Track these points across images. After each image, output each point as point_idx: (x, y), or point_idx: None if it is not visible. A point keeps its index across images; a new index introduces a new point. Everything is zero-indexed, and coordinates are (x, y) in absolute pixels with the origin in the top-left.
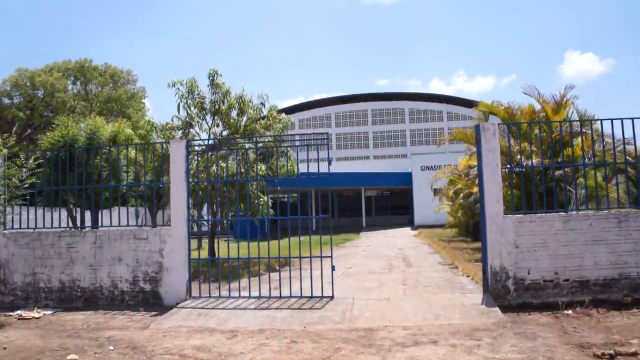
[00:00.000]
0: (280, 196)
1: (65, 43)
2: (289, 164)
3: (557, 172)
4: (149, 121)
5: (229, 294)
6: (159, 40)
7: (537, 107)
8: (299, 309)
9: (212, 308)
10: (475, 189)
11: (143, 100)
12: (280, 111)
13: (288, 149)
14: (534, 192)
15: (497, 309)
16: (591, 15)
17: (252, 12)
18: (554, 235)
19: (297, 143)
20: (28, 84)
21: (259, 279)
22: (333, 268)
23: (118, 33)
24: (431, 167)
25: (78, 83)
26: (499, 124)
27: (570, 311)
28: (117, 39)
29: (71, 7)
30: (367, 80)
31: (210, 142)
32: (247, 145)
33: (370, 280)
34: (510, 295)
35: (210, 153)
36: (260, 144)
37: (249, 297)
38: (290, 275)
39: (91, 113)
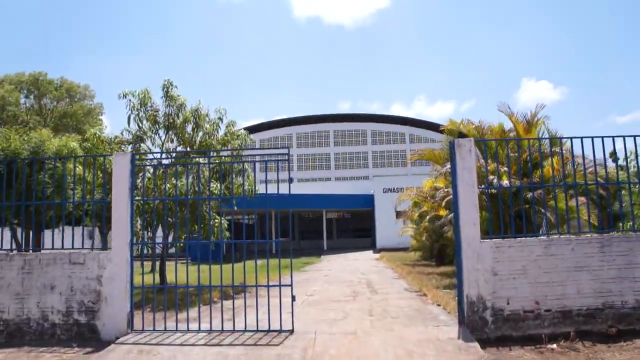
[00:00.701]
0: (238, 217)
1: (18, 56)
2: (247, 184)
3: (528, 195)
4: (95, 133)
5: (176, 327)
6: (119, 57)
7: (507, 126)
8: (255, 344)
9: (156, 344)
10: (442, 212)
11: (100, 117)
12: (258, 126)
13: (246, 167)
14: (512, 215)
15: (476, 344)
16: (546, 44)
17: (214, 30)
18: (534, 261)
19: (257, 159)
20: None
21: (210, 308)
22: (293, 298)
23: (77, 49)
24: (394, 189)
25: (31, 97)
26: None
27: (554, 345)
28: (75, 54)
29: (28, 19)
30: (329, 102)
31: (160, 156)
32: (200, 161)
33: (334, 309)
34: (489, 328)
35: (160, 169)
36: (216, 160)
37: (199, 330)
38: (246, 304)
39: (45, 128)
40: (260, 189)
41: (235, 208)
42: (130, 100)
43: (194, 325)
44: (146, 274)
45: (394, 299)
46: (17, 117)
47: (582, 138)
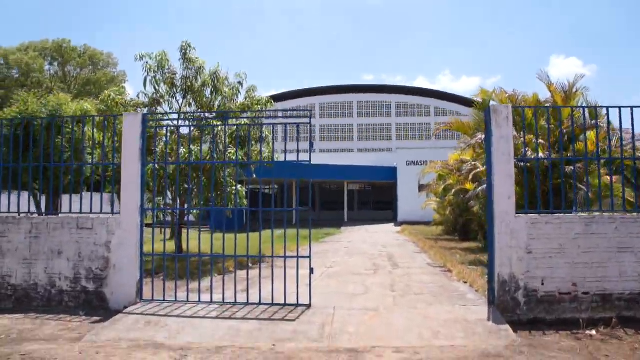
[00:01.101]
0: (256, 186)
1: (42, 23)
2: (267, 150)
3: (569, 168)
4: (109, 95)
5: (187, 298)
6: (143, 26)
7: (543, 96)
8: (269, 319)
9: (165, 315)
10: (469, 185)
11: (124, 84)
12: (287, 94)
13: (266, 132)
14: (550, 189)
15: (507, 327)
16: (578, 21)
17: (239, 3)
18: (573, 240)
19: (278, 120)
20: (2, 62)
21: (223, 279)
22: (311, 271)
23: (101, 17)
24: (417, 162)
25: (55, 64)
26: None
27: (593, 331)
28: (99, 22)
29: None
30: (352, 75)
31: (175, 117)
32: (218, 124)
33: (354, 283)
34: (520, 310)
35: (174, 133)
36: (234, 122)
37: (210, 302)
38: (261, 275)
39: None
40: (280, 157)
41: (254, 176)
42: (147, 62)
43: (205, 297)
44: (161, 242)
45: (417, 274)
46: (42, 84)
47: (631, 107)
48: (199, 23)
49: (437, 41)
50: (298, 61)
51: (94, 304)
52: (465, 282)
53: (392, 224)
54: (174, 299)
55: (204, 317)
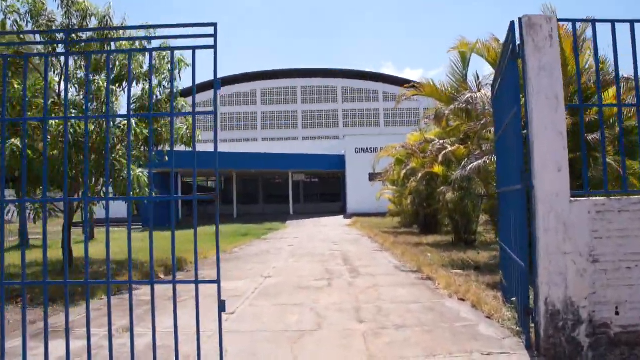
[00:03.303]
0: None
1: None
2: (185, 126)
3: None
4: None
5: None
6: None
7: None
8: None
9: None
10: (437, 169)
11: None
12: (199, 85)
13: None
14: (622, 159)
15: None
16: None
17: None
18: None
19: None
20: None
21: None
22: (222, 307)
23: None
24: (367, 149)
25: None
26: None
27: None
28: None
29: None
30: (294, 64)
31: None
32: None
33: (300, 307)
34: (583, 357)
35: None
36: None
37: None
38: (154, 307)
39: None
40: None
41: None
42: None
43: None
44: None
45: (388, 286)
46: None
47: None
48: None
49: (379, 36)
50: (236, 44)
51: None
52: (463, 300)
53: (342, 217)
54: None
55: None
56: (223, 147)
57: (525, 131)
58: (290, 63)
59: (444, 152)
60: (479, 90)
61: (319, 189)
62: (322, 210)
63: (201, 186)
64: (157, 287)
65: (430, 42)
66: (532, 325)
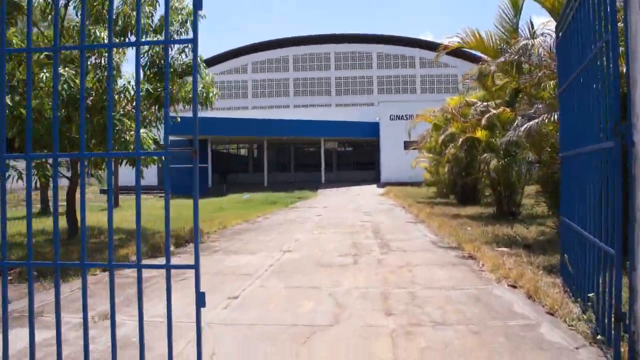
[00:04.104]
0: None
1: None
2: (202, 84)
3: None
4: None
5: None
6: None
7: None
8: None
9: None
10: (480, 133)
11: None
12: (231, 52)
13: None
14: None
15: None
16: None
17: None
18: None
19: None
20: None
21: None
22: (201, 300)
23: None
24: (402, 116)
25: None
26: None
27: None
28: None
29: None
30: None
31: None
32: None
33: (317, 291)
34: None
35: None
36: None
37: None
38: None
39: None
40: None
41: (178, 119)
42: None
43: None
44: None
45: (423, 265)
46: None
47: None
48: None
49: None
50: (272, 11)
51: None
52: (515, 287)
53: (375, 185)
54: None
55: None
56: (255, 114)
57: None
58: (324, 29)
59: (487, 115)
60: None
61: (352, 157)
62: (355, 179)
63: (233, 154)
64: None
65: (469, 13)
66: (625, 334)
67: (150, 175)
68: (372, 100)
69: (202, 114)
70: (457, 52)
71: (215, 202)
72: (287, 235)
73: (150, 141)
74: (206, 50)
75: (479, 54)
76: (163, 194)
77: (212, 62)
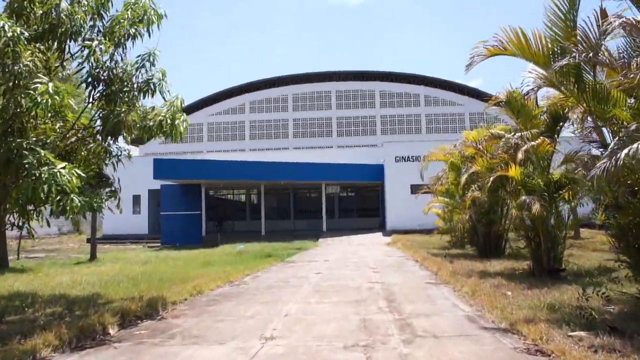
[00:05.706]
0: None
1: None
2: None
3: None
4: None
5: None
6: None
7: None
8: None
9: None
10: (513, 172)
11: None
12: (227, 91)
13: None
14: None
15: None
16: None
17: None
18: None
19: None
20: None
21: None
22: None
23: None
24: (409, 157)
25: None
26: None
27: None
28: None
29: None
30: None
31: None
32: None
33: None
34: None
35: None
36: None
37: None
38: None
39: None
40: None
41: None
42: None
43: None
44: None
45: None
46: None
47: None
48: None
49: (418, 42)
50: (271, 52)
51: None
52: None
53: (380, 233)
54: None
55: None
56: (252, 156)
57: None
58: (324, 66)
59: (524, 147)
60: (603, 38)
61: (355, 202)
62: (358, 226)
63: (229, 200)
64: None
65: (468, 49)
66: None
67: (140, 221)
68: (376, 141)
69: (175, 148)
70: (463, 89)
71: (205, 254)
72: (275, 307)
73: (76, 181)
74: (201, 91)
75: (489, 90)
76: (153, 244)
77: (207, 102)
